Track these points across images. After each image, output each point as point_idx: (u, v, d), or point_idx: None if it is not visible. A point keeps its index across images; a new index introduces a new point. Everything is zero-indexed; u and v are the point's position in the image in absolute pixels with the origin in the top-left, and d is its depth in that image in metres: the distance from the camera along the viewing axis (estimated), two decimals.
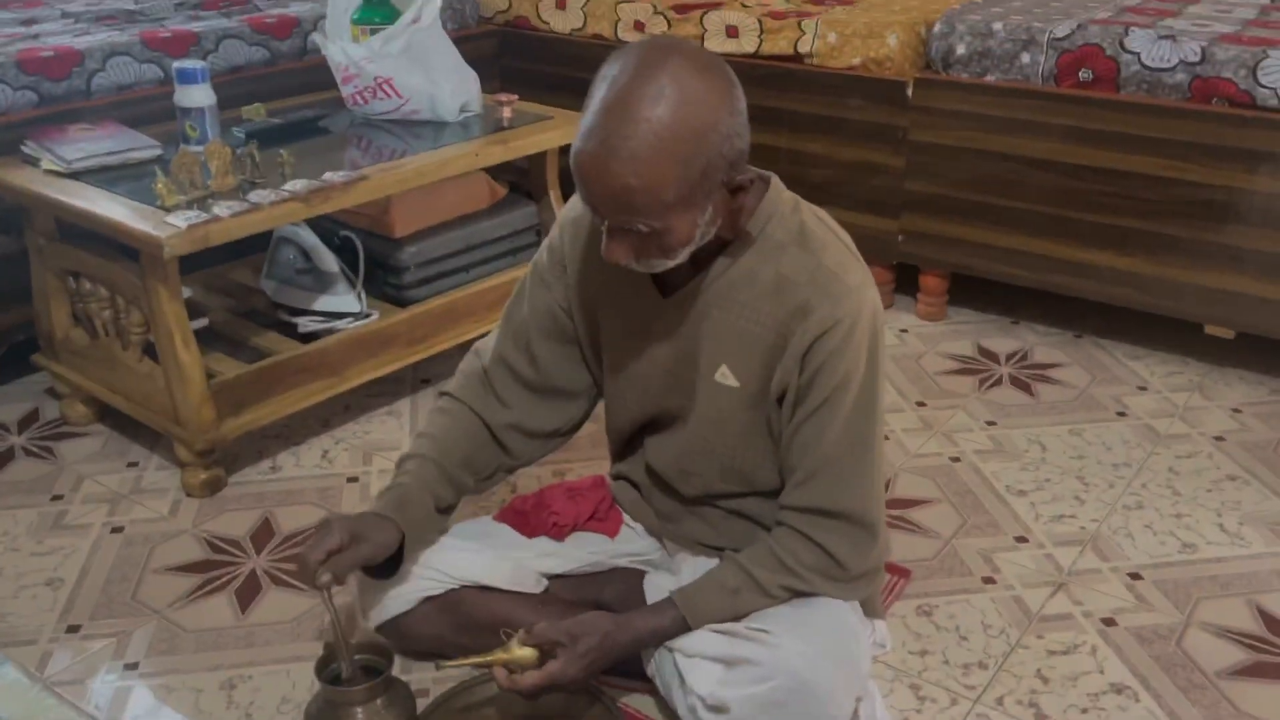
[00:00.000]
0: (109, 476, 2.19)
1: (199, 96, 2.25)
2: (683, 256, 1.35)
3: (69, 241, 2.19)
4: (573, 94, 1.32)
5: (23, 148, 2.22)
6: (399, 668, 1.60)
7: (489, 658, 1.43)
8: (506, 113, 2.53)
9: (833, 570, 1.43)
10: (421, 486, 1.55)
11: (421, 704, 1.55)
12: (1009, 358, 2.68)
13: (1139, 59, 2.44)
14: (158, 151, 2.24)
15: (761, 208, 1.42)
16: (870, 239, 2.73)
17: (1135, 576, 1.90)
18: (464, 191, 2.53)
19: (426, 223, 2.47)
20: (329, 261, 2.35)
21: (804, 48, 2.79)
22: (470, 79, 2.57)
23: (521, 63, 3.27)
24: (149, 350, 2.11)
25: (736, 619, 1.43)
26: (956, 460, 2.25)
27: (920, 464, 2.24)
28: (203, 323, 2.26)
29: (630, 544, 1.69)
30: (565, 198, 2.57)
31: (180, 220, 1.91)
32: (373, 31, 2.47)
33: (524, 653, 1.42)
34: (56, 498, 2.13)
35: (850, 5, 2.96)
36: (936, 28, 2.69)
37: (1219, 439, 2.32)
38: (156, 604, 1.83)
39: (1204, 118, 2.37)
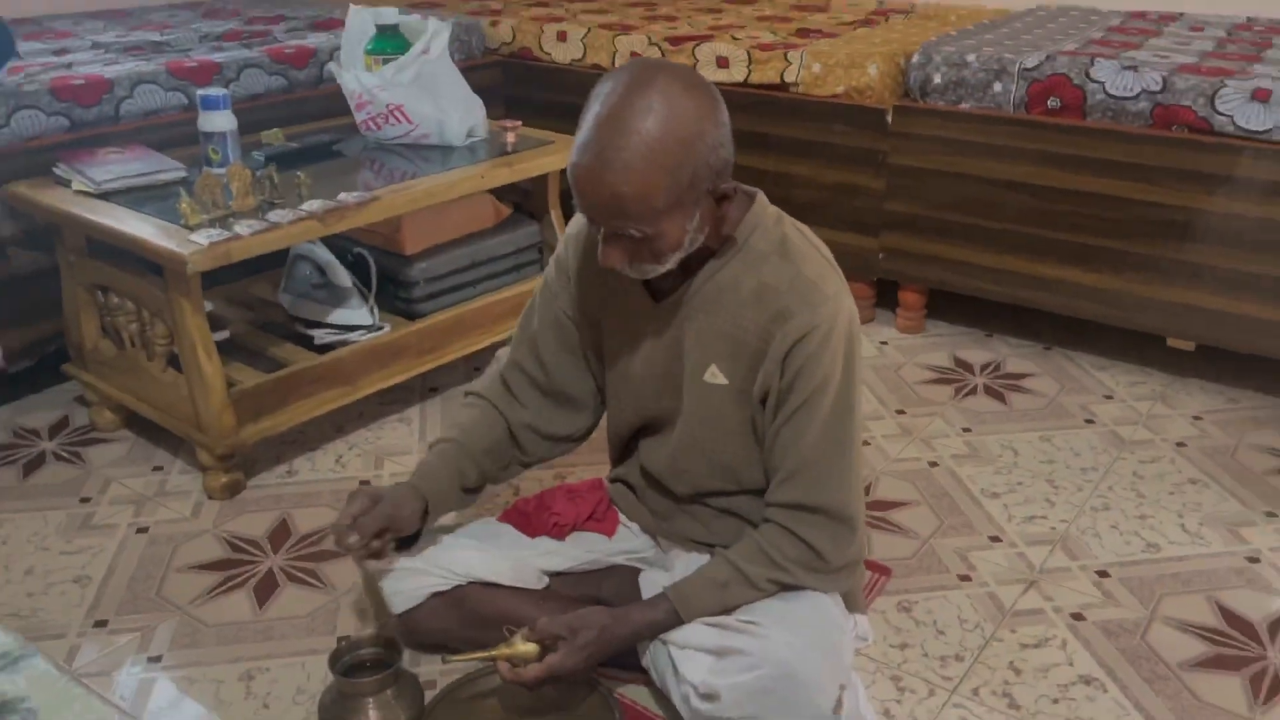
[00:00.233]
0: (134, 480, 2.19)
1: (221, 122, 2.26)
2: (673, 262, 1.37)
3: (98, 258, 2.20)
4: (573, 120, 1.32)
5: (55, 170, 2.23)
6: (408, 661, 1.61)
7: (493, 652, 1.43)
8: (510, 138, 2.54)
9: (814, 562, 1.44)
10: (445, 463, 1.60)
11: (429, 695, 1.55)
12: (983, 368, 2.69)
13: (1104, 88, 2.45)
14: (182, 173, 2.24)
15: (747, 220, 1.43)
16: (852, 256, 2.74)
17: (1102, 574, 1.90)
18: (470, 211, 2.54)
19: (435, 241, 2.47)
20: (343, 277, 2.36)
21: (790, 77, 2.80)
22: (476, 106, 2.58)
23: (524, 91, 3.27)
24: (173, 360, 2.12)
25: (727, 611, 1.43)
26: (934, 465, 2.26)
27: (900, 468, 2.24)
28: (224, 334, 2.27)
29: (626, 542, 1.69)
30: (566, 218, 2.58)
31: (203, 238, 1.92)
32: (385, 62, 2.48)
33: (526, 648, 1.42)
34: (85, 500, 2.12)
35: (833, 38, 2.98)
36: (914, 58, 2.70)
37: (1180, 445, 2.33)
38: (179, 600, 1.83)
39: (1165, 143, 2.38)
